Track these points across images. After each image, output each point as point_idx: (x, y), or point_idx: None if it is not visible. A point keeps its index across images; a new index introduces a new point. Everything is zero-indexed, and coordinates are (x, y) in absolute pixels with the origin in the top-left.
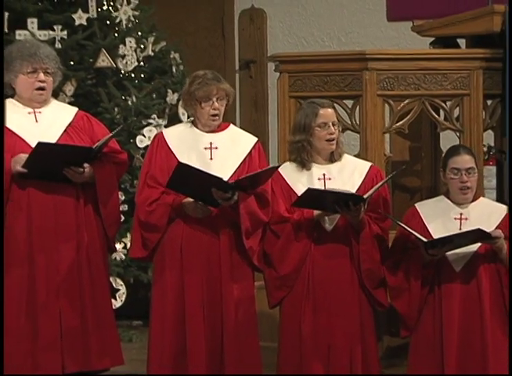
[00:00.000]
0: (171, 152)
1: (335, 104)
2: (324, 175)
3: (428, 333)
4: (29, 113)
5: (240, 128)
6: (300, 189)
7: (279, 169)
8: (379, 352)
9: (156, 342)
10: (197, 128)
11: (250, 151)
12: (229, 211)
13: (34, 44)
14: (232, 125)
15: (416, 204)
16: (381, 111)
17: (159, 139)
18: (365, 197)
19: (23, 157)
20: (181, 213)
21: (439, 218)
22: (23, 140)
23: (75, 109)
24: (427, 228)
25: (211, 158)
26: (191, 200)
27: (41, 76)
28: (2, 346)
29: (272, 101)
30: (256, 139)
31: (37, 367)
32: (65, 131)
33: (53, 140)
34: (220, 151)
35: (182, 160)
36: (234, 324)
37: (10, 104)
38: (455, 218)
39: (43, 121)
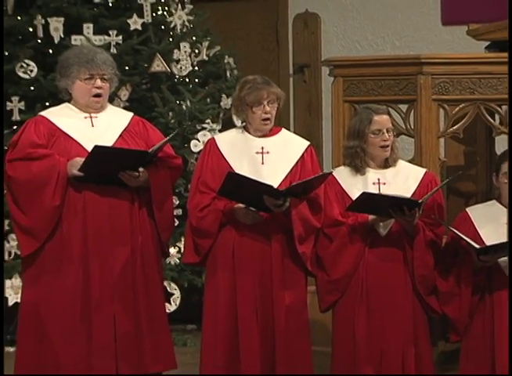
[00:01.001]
0: (223, 157)
1: (389, 109)
2: (379, 179)
3: (478, 339)
4: (85, 117)
5: (294, 132)
6: (354, 194)
7: (334, 173)
8: (433, 357)
9: (209, 345)
10: (249, 132)
11: (303, 155)
12: (281, 217)
13: (91, 50)
14: (283, 129)
15: (467, 209)
16: (436, 115)
17: (211, 145)
18: (420, 201)
19: (79, 160)
20: (232, 219)
21: (491, 223)
22: (80, 144)
23: (131, 114)
24: (478, 233)
25: (263, 163)
26: (242, 206)
27: (98, 82)
28: (2, 346)
29: (326, 105)
30: (308, 142)
31: (91, 369)
32: (120, 135)
33: (109, 144)
34: (271, 155)
35: (234, 165)
36: (286, 330)
37: (67, 109)
38: (506, 224)
39: (99, 126)
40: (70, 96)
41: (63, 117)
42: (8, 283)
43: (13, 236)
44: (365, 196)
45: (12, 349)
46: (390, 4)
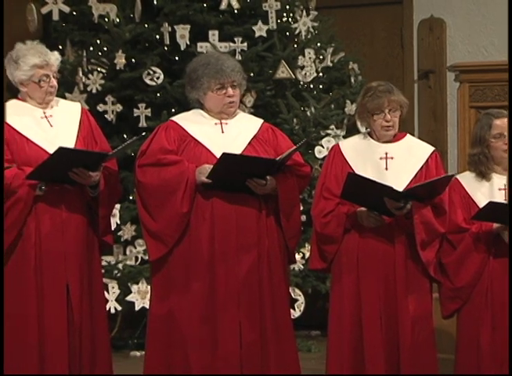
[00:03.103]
0: (347, 163)
1: None
2: (505, 185)
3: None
4: (216, 123)
5: (419, 138)
6: (479, 199)
7: (459, 178)
8: None
9: (334, 351)
10: (373, 138)
11: (427, 161)
12: (404, 221)
13: (219, 58)
14: (408, 135)
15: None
16: None
17: (335, 151)
18: None
19: (208, 167)
20: (356, 223)
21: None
22: (209, 151)
23: (260, 121)
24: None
25: (387, 168)
26: (365, 209)
27: (230, 91)
28: (2, 346)
29: (452, 111)
30: (433, 148)
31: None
32: (249, 143)
33: (238, 151)
34: (395, 161)
35: (358, 171)
36: (411, 337)
37: (198, 114)
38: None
39: (229, 132)
40: (201, 105)
41: (193, 122)
42: (135, 287)
43: (140, 241)
44: (491, 205)
45: (138, 354)
46: None
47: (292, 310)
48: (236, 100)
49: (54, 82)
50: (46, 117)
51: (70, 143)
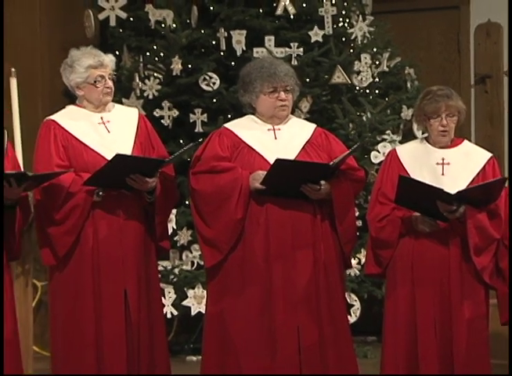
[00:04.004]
0: (404, 168)
1: None
2: None
3: None
4: (268, 129)
5: (475, 143)
6: None
7: None
8: None
9: (389, 357)
10: (430, 143)
11: (484, 166)
12: (460, 226)
13: (273, 63)
14: (466, 141)
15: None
16: None
17: (392, 156)
18: None
19: (261, 173)
20: (411, 228)
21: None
22: (262, 157)
23: (313, 125)
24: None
25: (443, 174)
26: (419, 214)
27: (282, 95)
28: (2, 346)
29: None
30: (490, 154)
31: None
32: (303, 148)
33: (291, 157)
34: (452, 167)
35: (414, 176)
36: (465, 342)
37: (250, 121)
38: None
39: (282, 138)
40: (253, 110)
41: (246, 129)
42: (191, 292)
43: (196, 246)
44: None
45: (195, 358)
46: None
47: (348, 316)
48: (288, 105)
49: (110, 83)
50: (104, 122)
51: (128, 149)
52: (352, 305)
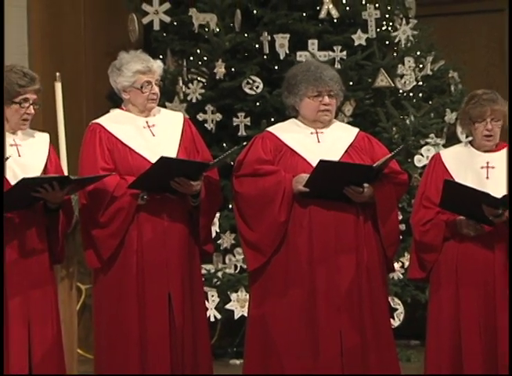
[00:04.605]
0: (448, 172)
1: None
2: None
3: None
4: (311, 133)
5: None
6: None
7: None
8: None
9: (432, 361)
10: (474, 147)
11: None
12: (505, 229)
13: (319, 67)
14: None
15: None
16: None
17: (436, 160)
18: None
19: (305, 176)
20: (455, 232)
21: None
22: (305, 160)
23: (356, 129)
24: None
25: (487, 177)
26: (463, 218)
27: (326, 99)
28: (2, 346)
29: None
30: None
31: None
32: (346, 151)
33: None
34: (497, 170)
35: (458, 179)
36: (510, 347)
37: (293, 124)
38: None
39: (325, 142)
40: (296, 113)
41: (289, 132)
42: (234, 296)
43: (239, 249)
44: None
45: (238, 362)
46: None
47: (391, 319)
48: (332, 110)
49: (156, 89)
50: (149, 126)
51: (172, 153)
52: (396, 309)
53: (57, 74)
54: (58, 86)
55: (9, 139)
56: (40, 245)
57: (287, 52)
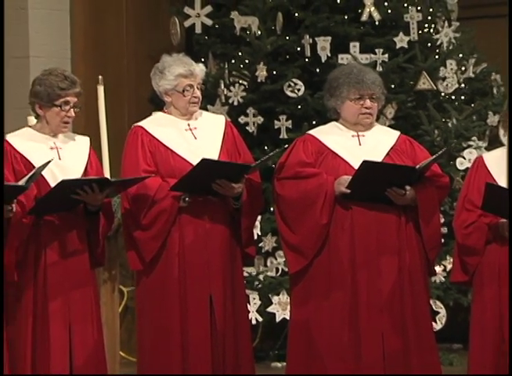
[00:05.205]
0: (491, 176)
1: None
2: None
3: None
4: (353, 136)
5: None
6: None
7: None
8: None
9: (476, 365)
10: None
11: None
12: None
13: (361, 70)
14: None
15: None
16: None
17: (478, 163)
18: None
19: (347, 178)
20: (498, 235)
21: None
22: (347, 162)
23: (397, 133)
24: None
25: None
26: (505, 220)
27: (368, 103)
28: (2, 347)
29: None
30: None
31: None
32: (387, 154)
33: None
34: None
35: (501, 183)
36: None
37: (334, 127)
38: None
39: (366, 144)
40: (338, 115)
41: (330, 135)
42: (275, 299)
43: (280, 252)
44: None
45: (279, 365)
46: None
47: (433, 323)
48: (373, 113)
49: (198, 93)
50: (191, 129)
51: (214, 155)
52: (438, 313)
53: (100, 77)
54: (100, 89)
55: (50, 142)
56: (80, 247)
57: (329, 54)
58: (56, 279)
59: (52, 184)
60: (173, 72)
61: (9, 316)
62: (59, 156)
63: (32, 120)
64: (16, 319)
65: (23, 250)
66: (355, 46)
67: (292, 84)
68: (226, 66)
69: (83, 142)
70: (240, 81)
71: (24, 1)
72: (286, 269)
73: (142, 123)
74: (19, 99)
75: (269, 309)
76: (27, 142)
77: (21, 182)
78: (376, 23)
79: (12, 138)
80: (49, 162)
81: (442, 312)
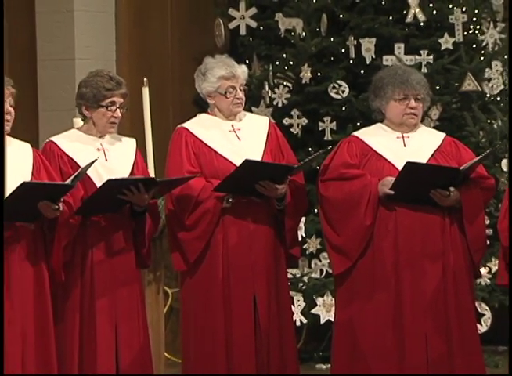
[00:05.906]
0: None
1: None
2: None
3: None
4: (397, 137)
5: None
6: None
7: None
8: None
9: None
10: None
11: None
12: None
13: (406, 70)
14: None
15: None
16: None
17: None
18: None
19: (391, 179)
20: None
21: None
22: (392, 164)
23: (443, 134)
24: None
25: None
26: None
27: (412, 103)
28: (2, 347)
29: None
30: None
31: None
32: (432, 155)
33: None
34: None
35: None
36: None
37: (379, 129)
38: None
39: (411, 146)
40: (382, 116)
41: (375, 136)
42: (320, 300)
43: (325, 254)
44: None
45: (324, 366)
46: None
47: (478, 325)
48: (418, 114)
49: (240, 94)
50: (234, 130)
51: (258, 156)
52: (483, 315)
53: (145, 79)
54: (145, 91)
55: (96, 143)
56: (126, 246)
57: (373, 56)
58: (103, 278)
59: (99, 185)
60: (215, 74)
61: (58, 317)
62: (105, 157)
63: (79, 122)
64: (64, 319)
65: (70, 250)
66: (399, 47)
67: (336, 85)
68: (270, 68)
69: (129, 144)
70: (285, 83)
71: (70, 3)
72: (331, 271)
73: (186, 124)
74: (66, 101)
75: (314, 311)
76: (73, 143)
77: (67, 182)
78: (421, 24)
79: (58, 139)
80: (94, 161)
81: (487, 314)
